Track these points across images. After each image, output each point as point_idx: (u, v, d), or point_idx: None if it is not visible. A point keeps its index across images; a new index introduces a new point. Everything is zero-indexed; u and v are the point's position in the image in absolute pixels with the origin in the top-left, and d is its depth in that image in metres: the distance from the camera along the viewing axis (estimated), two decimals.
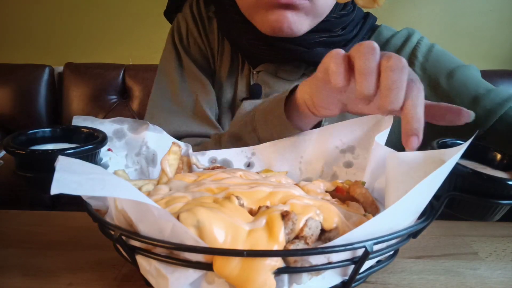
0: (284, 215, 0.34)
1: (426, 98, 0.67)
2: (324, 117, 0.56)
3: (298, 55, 0.73)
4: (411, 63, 0.74)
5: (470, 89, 0.69)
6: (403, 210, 0.33)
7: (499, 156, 0.47)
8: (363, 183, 0.48)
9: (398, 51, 0.76)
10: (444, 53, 0.75)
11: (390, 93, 0.40)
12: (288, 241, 0.33)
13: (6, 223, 0.56)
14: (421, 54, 0.74)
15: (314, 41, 0.72)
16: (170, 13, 0.87)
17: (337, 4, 0.73)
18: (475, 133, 0.41)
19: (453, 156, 0.33)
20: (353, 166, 0.55)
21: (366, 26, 0.78)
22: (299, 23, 0.67)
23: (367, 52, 0.42)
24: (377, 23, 0.83)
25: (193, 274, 0.32)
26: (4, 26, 2.13)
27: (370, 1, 0.40)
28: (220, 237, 0.32)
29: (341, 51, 0.46)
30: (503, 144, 0.65)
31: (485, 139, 0.67)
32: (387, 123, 0.51)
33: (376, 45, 0.43)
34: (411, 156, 0.38)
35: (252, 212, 0.37)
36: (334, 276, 0.34)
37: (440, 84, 0.71)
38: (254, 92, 0.76)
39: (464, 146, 0.34)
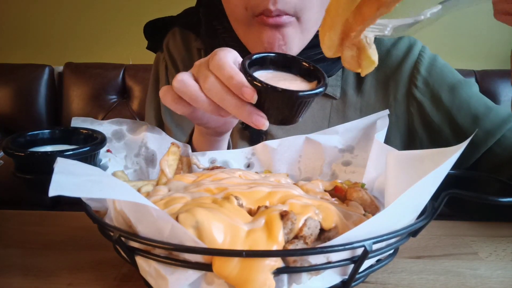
0: (283, 215, 0.34)
1: (428, 112, 0.70)
2: (223, 131, 0.58)
3: None
4: (413, 77, 0.73)
5: (471, 107, 0.69)
6: (402, 209, 0.33)
7: (306, 65, 0.48)
8: (363, 185, 0.48)
9: (400, 64, 0.74)
10: (446, 67, 0.74)
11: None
12: (287, 241, 0.33)
13: (6, 223, 0.56)
14: (424, 68, 0.73)
15: (312, 59, 0.70)
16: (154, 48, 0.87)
17: None
18: (472, 134, 0.41)
19: (452, 155, 0.33)
20: (352, 164, 0.55)
21: None
22: (290, 42, 0.65)
23: (181, 87, 0.46)
24: None
25: (192, 274, 0.32)
26: (4, 26, 2.13)
27: (355, 66, 0.40)
28: (219, 238, 0.32)
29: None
30: (499, 166, 0.66)
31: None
32: (385, 122, 0.51)
33: (180, 77, 0.46)
34: (411, 154, 0.38)
35: (251, 212, 0.37)
36: (333, 276, 0.34)
37: (442, 99, 0.71)
38: None
39: (462, 146, 0.34)
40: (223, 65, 0.44)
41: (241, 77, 0.43)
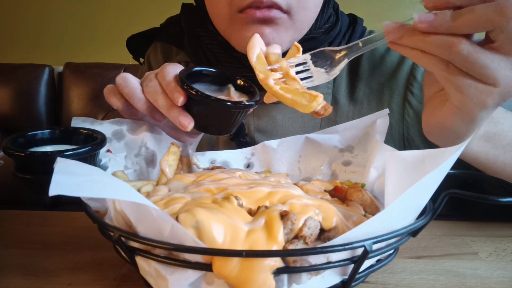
0: (283, 215, 0.34)
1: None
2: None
3: None
4: (409, 84, 0.69)
5: None
6: (402, 209, 0.34)
7: (242, 82, 0.53)
8: (363, 185, 0.48)
9: (395, 71, 0.71)
10: None
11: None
12: (287, 241, 0.33)
13: (6, 223, 0.56)
14: (420, 75, 0.69)
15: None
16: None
17: (320, 16, 0.67)
18: (470, 137, 0.41)
19: (452, 155, 0.33)
20: (352, 164, 0.55)
21: (355, 36, 0.72)
22: (279, 39, 0.60)
23: (122, 82, 0.51)
24: (368, 26, 0.76)
25: (192, 275, 0.32)
26: (4, 26, 2.14)
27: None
28: (219, 238, 0.32)
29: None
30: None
31: None
32: (385, 122, 0.51)
33: (124, 74, 0.52)
34: (411, 154, 0.38)
35: (251, 212, 0.37)
36: (333, 276, 0.35)
37: None
38: (239, 130, 0.71)
39: (462, 146, 0.34)
40: (167, 75, 0.49)
41: (177, 84, 0.48)
